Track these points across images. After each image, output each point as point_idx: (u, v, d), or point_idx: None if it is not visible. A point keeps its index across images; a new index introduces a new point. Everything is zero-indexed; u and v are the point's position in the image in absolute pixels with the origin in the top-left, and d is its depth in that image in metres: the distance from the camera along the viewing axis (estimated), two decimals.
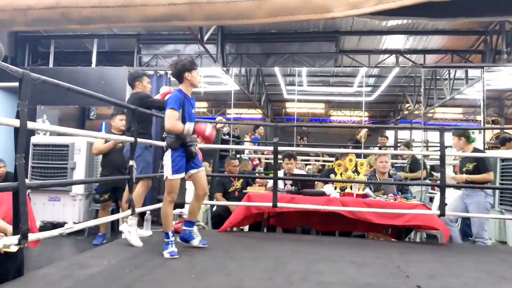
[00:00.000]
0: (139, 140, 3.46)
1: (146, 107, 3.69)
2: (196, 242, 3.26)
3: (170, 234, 3.08)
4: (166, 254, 2.99)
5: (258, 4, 0.29)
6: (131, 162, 3.26)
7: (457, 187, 4.61)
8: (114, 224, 5.50)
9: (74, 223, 5.24)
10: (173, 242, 3.07)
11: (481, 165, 4.28)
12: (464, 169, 4.42)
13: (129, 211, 3.32)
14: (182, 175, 3.13)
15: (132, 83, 3.98)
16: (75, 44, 9.16)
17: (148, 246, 3.34)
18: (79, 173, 5.63)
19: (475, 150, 4.51)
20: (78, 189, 5.63)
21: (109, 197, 5.12)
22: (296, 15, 0.30)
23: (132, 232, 3.31)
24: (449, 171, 4.50)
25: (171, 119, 3.03)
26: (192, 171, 3.20)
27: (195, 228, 3.29)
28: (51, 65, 8.66)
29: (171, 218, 3.20)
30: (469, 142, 4.48)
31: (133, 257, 2.96)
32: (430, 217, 3.91)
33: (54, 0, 0.33)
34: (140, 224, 4.59)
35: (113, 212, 5.31)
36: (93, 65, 8.39)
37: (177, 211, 4.05)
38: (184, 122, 3.07)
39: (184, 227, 3.29)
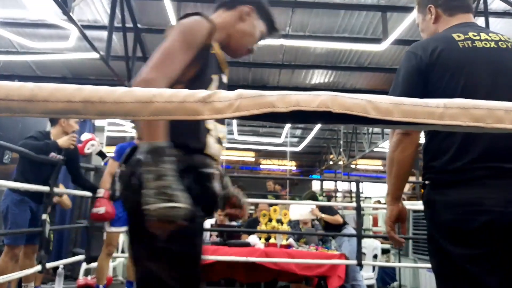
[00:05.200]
0: (10, 188, 3.00)
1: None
2: None
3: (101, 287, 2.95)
4: None
5: (142, 106, 0.37)
6: (44, 216, 3.04)
7: (373, 237, 4.95)
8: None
9: None
10: None
11: (327, 213, 4.97)
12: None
13: (37, 268, 3.08)
14: (122, 228, 3.03)
15: (55, 118, 3.21)
16: None
17: None
18: None
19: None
20: None
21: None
22: (173, 115, 0.39)
23: None
24: (307, 207, 4.92)
25: (106, 171, 3.08)
26: None
27: None
28: None
29: (106, 272, 3.07)
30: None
31: None
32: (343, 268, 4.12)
33: None
34: (52, 279, 4.27)
35: None
36: None
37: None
38: None
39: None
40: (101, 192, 2.95)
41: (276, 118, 0.44)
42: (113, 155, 3.13)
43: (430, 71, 1.23)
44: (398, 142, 1.25)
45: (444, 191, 1.18)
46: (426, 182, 1.26)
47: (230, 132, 13.25)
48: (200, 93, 0.45)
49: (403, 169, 1.27)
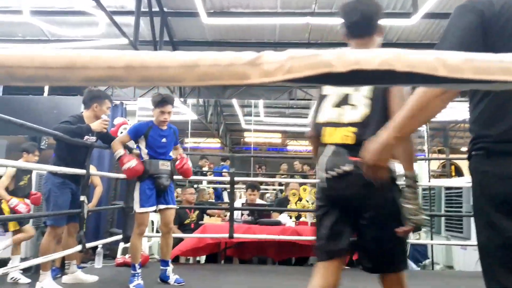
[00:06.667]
0: (51, 172, 3.08)
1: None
2: (171, 281, 3.17)
3: (137, 266, 3.04)
4: (132, 287, 2.95)
5: (186, 71, 0.35)
6: (82, 197, 3.15)
7: None
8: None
9: (22, 259, 4.95)
10: (139, 274, 3.02)
11: None
12: None
13: (77, 247, 3.20)
14: (152, 208, 3.08)
15: (88, 102, 3.28)
16: None
17: (96, 281, 3.24)
18: None
19: None
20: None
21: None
22: (220, 80, 0.36)
23: (46, 285, 2.94)
24: None
25: (117, 139, 3.17)
26: (161, 206, 3.16)
27: (169, 268, 3.19)
28: (0, 93, 8.34)
29: (139, 251, 3.15)
30: None
31: None
32: None
33: None
34: (92, 258, 4.43)
35: None
36: (45, 94, 8.17)
37: None
38: (147, 148, 3.11)
39: (161, 267, 3.24)
40: (121, 152, 3.02)
41: (332, 80, 0.40)
42: (128, 129, 3.26)
43: (494, 24, 1.09)
44: (443, 91, 1.09)
45: (500, 162, 1.08)
46: (476, 152, 1.15)
47: (257, 114, 13.21)
48: (248, 55, 0.41)
49: (431, 117, 1.15)
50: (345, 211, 1.51)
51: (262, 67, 0.40)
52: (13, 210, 4.31)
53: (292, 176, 8.36)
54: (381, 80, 0.41)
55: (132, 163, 2.97)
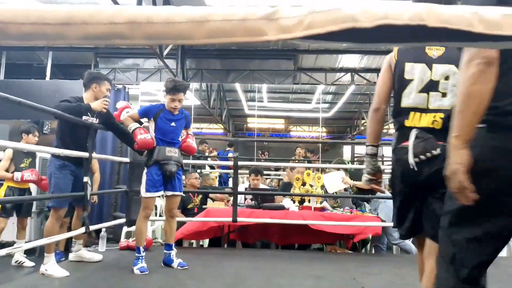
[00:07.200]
0: (52, 155, 3.06)
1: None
2: (175, 265, 3.17)
3: (141, 249, 3.04)
4: (136, 270, 2.95)
5: (196, 26, 0.32)
6: (85, 179, 3.14)
7: None
8: (69, 242, 5.27)
9: (25, 242, 4.98)
10: (143, 257, 3.02)
11: (358, 178, 4.60)
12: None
13: (81, 229, 3.20)
14: (158, 193, 3.10)
15: (88, 84, 3.20)
16: (28, 57, 8.83)
17: (99, 264, 3.25)
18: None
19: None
20: None
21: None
22: (232, 37, 0.33)
23: (50, 268, 2.89)
24: (338, 179, 4.78)
25: (126, 115, 3.18)
26: (168, 193, 3.18)
27: (173, 252, 3.21)
28: (2, 77, 8.29)
29: (145, 234, 3.17)
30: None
31: (84, 277, 2.87)
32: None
33: None
34: (96, 242, 4.44)
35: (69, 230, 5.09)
36: (47, 78, 8.12)
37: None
38: (156, 131, 3.11)
39: (164, 251, 3.25)
40: (135, 125, 3.08)
41: (357, 37, 0.36)
42: (139, 108, 3.31)
43: None
44: (480, 73, 1.05)
45: (508, 136, 1.06)
46: (480, 125, 1.09)
47: (260, 99, 13.13)
48: (264, 9, 0.37)
49: (483, 104, 1.07)
50: (421, 190, 1.62)
51: (279, 22, 0.36)
52: (15, 190, 4.32)
53: (300, 162, 8.34)
54: (411, 37, 0.37)
55: (147, 135, 3.04)
